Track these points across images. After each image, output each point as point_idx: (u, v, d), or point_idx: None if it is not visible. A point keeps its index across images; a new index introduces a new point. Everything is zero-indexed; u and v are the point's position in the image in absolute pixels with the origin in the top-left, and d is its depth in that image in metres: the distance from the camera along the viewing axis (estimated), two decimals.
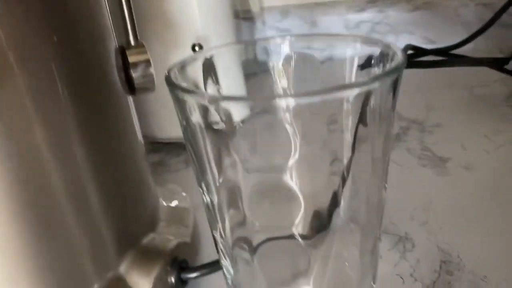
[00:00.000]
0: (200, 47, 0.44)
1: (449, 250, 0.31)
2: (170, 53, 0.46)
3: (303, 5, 0.78)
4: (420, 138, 0.47)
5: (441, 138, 0.46)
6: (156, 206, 0.32)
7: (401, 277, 0.30)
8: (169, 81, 0.18)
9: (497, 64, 0.48)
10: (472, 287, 0.28)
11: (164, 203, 0.34)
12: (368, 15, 0.70)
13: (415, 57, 0.51)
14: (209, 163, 0.19)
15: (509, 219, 0.34)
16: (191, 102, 0.17)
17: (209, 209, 0.20)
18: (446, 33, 0.65)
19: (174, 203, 0.34)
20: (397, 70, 0.18)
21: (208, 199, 0.20)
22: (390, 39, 0.67)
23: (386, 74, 0.18)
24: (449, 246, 0.32)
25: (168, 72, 0.19)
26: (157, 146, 0.50)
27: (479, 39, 0.54)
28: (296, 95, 0.17)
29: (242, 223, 0.20)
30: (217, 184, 0.19)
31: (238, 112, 0.17)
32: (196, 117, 0.18)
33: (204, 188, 0.20)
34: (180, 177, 0.44)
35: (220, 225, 0.21)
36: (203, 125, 0.18)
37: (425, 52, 0.52)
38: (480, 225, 0.34)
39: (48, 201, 0.23)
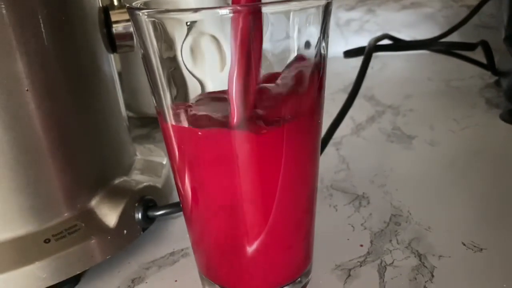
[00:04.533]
0: None
1: (400, 206, 0.34)
2: None
3: None
4: (393, 120, 0.49)
5: (412, 120, 0.49)
6: (131, 157, 0.35)
7: (352, 226, 0.32)
8: (128, 7, 0.21)
9: (464, 49, 0.50)
10: (416, 235, 0.31)
11: (140, 156, 0.36)
12: (357, 13, 0.73)
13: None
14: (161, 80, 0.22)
15: (460, 185, 0.36)
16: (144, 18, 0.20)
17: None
18: (431, 32, 0.68)
19: (150, 158, 0.37)
20: None
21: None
22: None
23: None
24: (401, 203, 0.34)
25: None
26: (145, 121, 0.53)
27: (453, 36, 0.57)
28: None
29: None
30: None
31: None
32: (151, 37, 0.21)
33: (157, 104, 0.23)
34: (164, 148, 0.47)
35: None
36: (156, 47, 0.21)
37: (402, 42, 0.54)
38: (434, 189, 0.36)
39: (25, 130, 0.26)
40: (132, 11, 0.21)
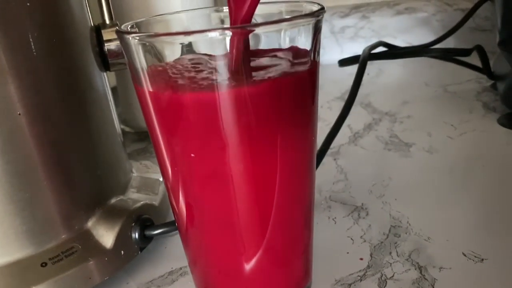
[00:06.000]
0: None
1: (399, 217, 0.34)
2: None
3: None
4: (390, 128, 0.49)
5: (410, 127, 0.49)
6: (127, 175, 0.35)
7: (352, 239, 0.32)
8: (118, 30, 0.21)
9: (459, 54, 0.50)
10: (416, 246, 0.30)
11: (136, 174, 0.36)
12: (352, 20, 0.73)
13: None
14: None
15: (459, 193, 0.36)
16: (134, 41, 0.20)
17: None
18: (426, 37, 0.68)
19: (146, 175, 0.37)
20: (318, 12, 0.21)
21: None
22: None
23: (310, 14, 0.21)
24: (400, 214, 0.34)
25: (120, 26, 0.22)
26: (142, 135, 0.53)
27: (449, 40, 0.57)
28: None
29: None
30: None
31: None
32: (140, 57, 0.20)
33: None
34: None
35: None
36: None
37: (397, 49, 0.54)
38: (433, 197, 0.36)
39: (18, 153, 0.26)
40: (121, 35, 0.20)
